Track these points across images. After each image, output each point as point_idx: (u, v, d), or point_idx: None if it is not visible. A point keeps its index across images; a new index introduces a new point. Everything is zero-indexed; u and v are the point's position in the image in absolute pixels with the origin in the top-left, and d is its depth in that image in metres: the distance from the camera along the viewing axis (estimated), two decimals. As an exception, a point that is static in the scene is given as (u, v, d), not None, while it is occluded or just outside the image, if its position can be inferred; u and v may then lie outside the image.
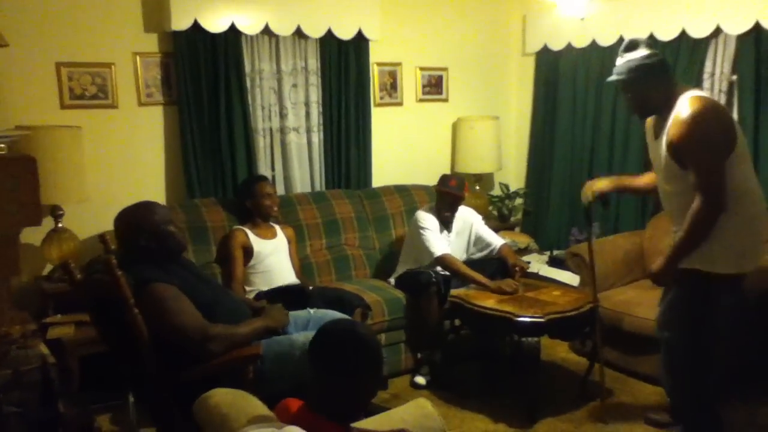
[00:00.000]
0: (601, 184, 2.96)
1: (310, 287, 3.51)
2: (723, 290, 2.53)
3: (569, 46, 4.70)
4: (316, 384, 1.72)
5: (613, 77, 2.63)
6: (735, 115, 3.81)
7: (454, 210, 3.84)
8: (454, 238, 3.87)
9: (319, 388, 1.72)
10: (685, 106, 2.44)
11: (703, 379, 2.64)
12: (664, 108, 2.54)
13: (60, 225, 3.36)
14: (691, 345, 2.60)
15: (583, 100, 4.71)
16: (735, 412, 3.13)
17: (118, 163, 3.70)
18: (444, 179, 3.84)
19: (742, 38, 3.79)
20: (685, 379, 2.69)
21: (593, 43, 4.54)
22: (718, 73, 3.91)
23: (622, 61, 2.60)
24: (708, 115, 2.41)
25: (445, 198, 3.79)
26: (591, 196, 2.95)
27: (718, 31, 3.87)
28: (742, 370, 3.28)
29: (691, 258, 2.52)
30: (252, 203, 3.58)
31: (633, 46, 2.59)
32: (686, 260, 2.54)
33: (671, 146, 2.47)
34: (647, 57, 2.56)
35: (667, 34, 4.06)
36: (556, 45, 4.78)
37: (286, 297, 3.23)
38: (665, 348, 2.72)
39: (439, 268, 3.68)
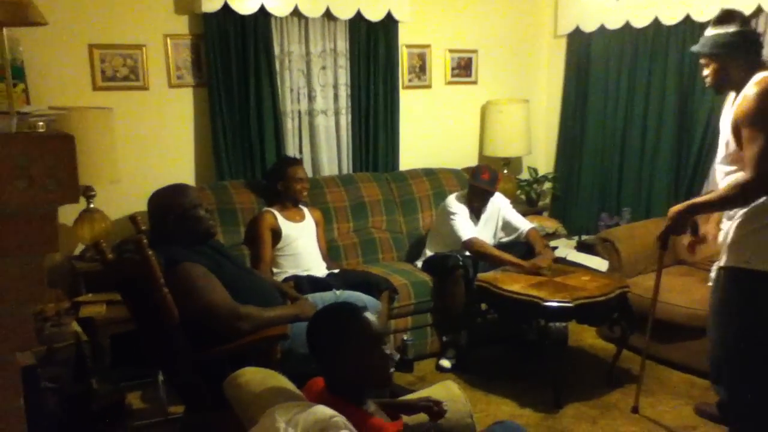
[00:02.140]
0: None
1: (336, 270, 3.52)
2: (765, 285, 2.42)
3: (602, 28, 4.61)
4: (323, 368, 1.82)
5: (696, 47, 2.56)
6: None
7: (485, 203, 3.82)
8: (482, 226, 3.85)
9: (325, 372, 1.81)
10: (754, 84, 2.37)
11: (757, 378, 2.54)
12: (741, 86, 2.46)
13: (92, 205, 3.41)
14: (742, 344, 2.52)
15: (616, 84, 4.62)
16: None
17: (149, 145, 3.74)
18: (476, 172, 3.77)
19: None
20: (738, 378, 2.60)
21: (627, 25, 4.45)
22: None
23: (711, 33, 2.50)
24: None
25: (477, 191, 3.76)
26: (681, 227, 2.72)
27: (759, 10, 3.75)
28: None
29: (735, 256, 2.45)
30: (283, 185, 3.60)
31: (725, 19, 2.48)
32: (736, 258, 2.46)
33: (735, 122, 2.41)
34: (736, 34, 2.45)
35: (704, 14, 3.96)
36: (589, 27, 4.70)
37: (313, 285, 3.26)
38: (714, 345, 2.64)
39: (466, 252, 3.67)
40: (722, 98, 2.76)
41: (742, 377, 2.58)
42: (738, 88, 2.48)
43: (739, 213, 2.47)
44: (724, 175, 2.55)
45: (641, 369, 3.08)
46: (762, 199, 2.38)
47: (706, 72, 2.57)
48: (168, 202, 2.56)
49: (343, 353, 1.75)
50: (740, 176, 2.38)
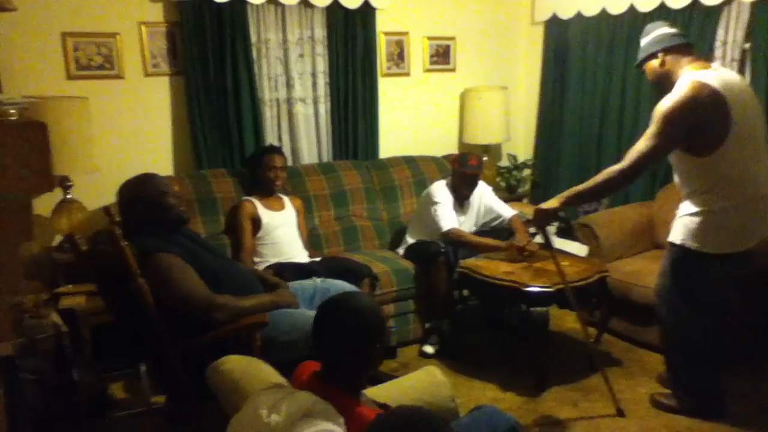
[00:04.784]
0: (550, 204, 2.87)
1: (318, 258, 3.52)
2: (712, 265, 2.66)
3: (579, 15, 4.63)
4: (322, 357, 1.78)
5: (638, 60, 2.83)
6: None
7: (474, 188, 3.83)
8: (465, 214, 3.87)
9: (325, 361, 1.78)
10: (681, 85, 2.58)
11: (696, 348, 2.78)
12: (674, 80, 2.67)
13: (69, 196, 3.37)
14: (680, 314, 2.77)
15: (593, 70, 4.65)
16: (742, 382, 3.16)
17: (126, 134, 3.70)
18: (464, 159, 3.75)
19: (756, 5, 3.72)
20: (678, 347, 2.86)
21: (603, 12, 4.47)
22: (730, 41, 3.85)
23: (642, 43, 2.78)
24: (692, 102, 2.51)
25: (468, 178, 3.76)
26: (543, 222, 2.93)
27: (694, 4, 3.89)
28: (756, 343, 3.33)
29: (682, 235, 2.69)
30: (258, 173, 3.58)
31: (651, 27, 2.78)
32: (678, 236, 2.71)
33: (655, 109, 2.64)
34: (658, 37, 2.72)
35: (678, 2, 3.99)
36: (566, 14, 4.71)
37: (296, 272, 3.25)
38: (658, 316, 2.90)
39: (447, 239, 3.68)
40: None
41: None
42: (671, 85, 2.67)
43: (686, 199, 2.72)
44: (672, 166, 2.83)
45: (603, 375, 3.02)
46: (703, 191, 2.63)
47: (649, 77, 2.81)
48: (136, 191, 2.55)
49: (359, 351, 1.74)
50: (618, 165, 2.65)
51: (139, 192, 2.55)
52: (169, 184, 2.66)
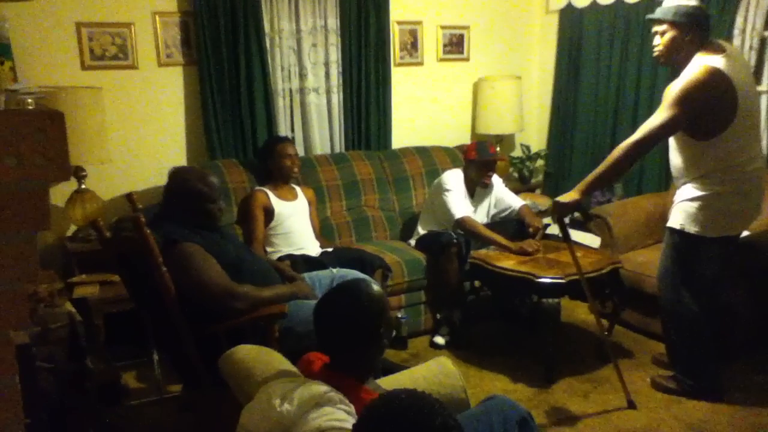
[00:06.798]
0: (569, 196, 2.85)
1: (330, 249, 3.53)
2: (710, 247, 2.74)
3: (594, 4, 4.59)
4: (326, 346, 1.83)
5: (657, 15, 2.71)
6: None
7: (492, 176, 3.82)
8: (476, 205, 3.86)
9: (328, 350, 1.83)
10: (693, 67, 2.58)
11: (695, 329, 2.84)
12: (683, 62, 2.66)
13: (83, 186, 3.39)
14: (681, 296, 2.84)
15: (608, 60, 4.61)
16: (756, 375, 3.16)
17: (140, 124, 3.71)
18: (483, 148, 3.73)
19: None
20: (678, 329, 2.90)
21: (619, 1, 4.43)
22: (749, 29, 3.80)
23: (673, 2, 2.67)
24: (704, 86, 2.54)
25: (488, 165, 3.74)
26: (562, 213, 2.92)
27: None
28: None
29: (682, 220, 2.75)
30: (273, 164, 3.58)
31: None
32: (677, 221, 2.77)
33: (666, 91, 2.67)
34: (698, 9, 2.64)
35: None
36: (581, 2, 4.67)
37: (310, 264, 3.26)
38: (661, 300, 2.98)
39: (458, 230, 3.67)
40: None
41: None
42: (680, 63, 2.67)
43: (685, 185, 2.77)
44: (671, 148, 2.85)
45: (615, 366, 2.99)
46: (697, 179, 2.70)
47: (658, 41, 2.74)
48: (194, 186, 2.55)
49: (355, 335, 1.78)
50: (630, 138, 2.70)
51: (197, 189, 2.55)
52: (219, 192, 2.64)
